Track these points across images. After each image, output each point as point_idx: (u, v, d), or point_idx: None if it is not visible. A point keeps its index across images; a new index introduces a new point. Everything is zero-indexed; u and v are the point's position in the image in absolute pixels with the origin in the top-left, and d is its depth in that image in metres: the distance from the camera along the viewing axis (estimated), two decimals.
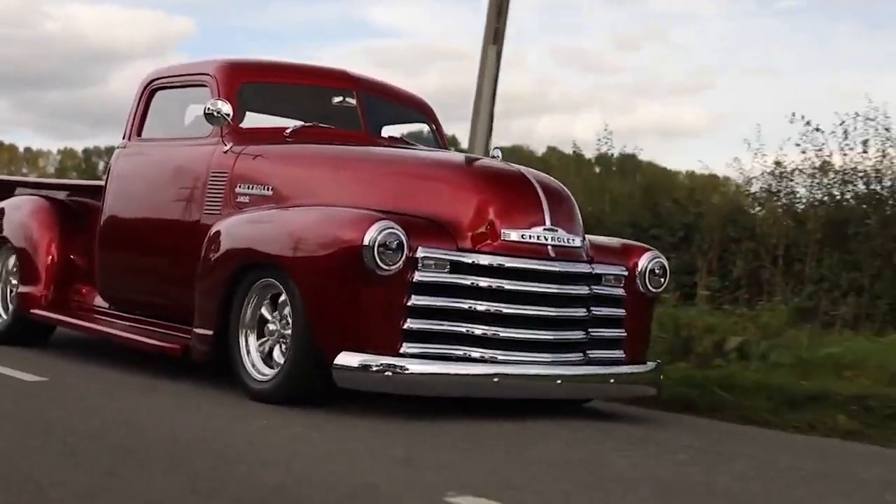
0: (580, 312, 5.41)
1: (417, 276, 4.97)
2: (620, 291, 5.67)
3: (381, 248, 4.85)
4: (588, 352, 5.48)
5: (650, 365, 5.80)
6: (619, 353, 5.65)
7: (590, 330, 5.48)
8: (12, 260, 7.43)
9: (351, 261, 4.88)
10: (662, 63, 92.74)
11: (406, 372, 4.87)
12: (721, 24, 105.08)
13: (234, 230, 5.56)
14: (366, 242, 4.84)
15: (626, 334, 5.67)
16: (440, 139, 7.08)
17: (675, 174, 23.89)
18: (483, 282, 5.07)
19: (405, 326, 4.96)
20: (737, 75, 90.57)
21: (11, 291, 7.40)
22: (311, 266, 5.08)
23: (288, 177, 5.81)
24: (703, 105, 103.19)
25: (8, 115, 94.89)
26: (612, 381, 5.51)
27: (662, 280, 5.85)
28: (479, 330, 5.06)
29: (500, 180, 5.38)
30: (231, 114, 5.88)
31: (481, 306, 5.06)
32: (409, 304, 4.96)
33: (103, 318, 6.77)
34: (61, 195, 7.79)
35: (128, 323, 6.52)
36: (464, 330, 5.04)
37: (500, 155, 7.00)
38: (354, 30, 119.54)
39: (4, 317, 7.44)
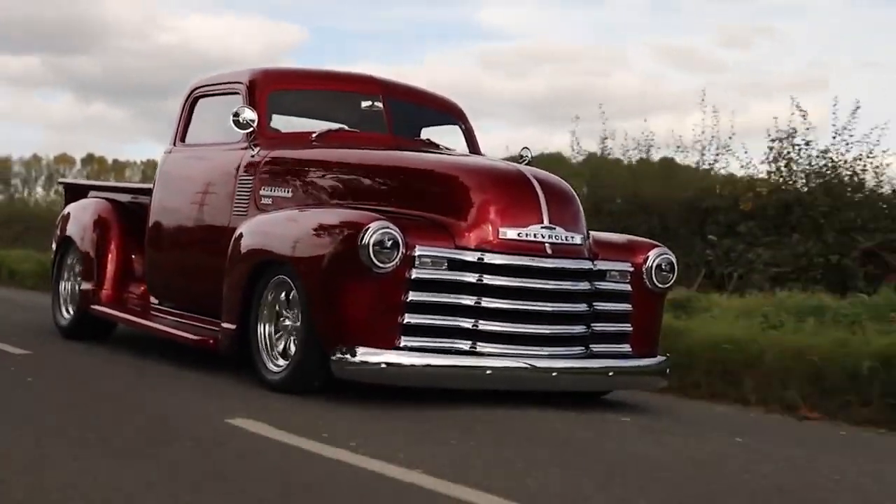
0: (581, 308, 5.59)
1: (415, 274, 5.23)
2: (626, 287, 5.84)
3: (377, 246, 5.12)
4: (591, 346, 5.66)
5: (657, 359, 5.94)
6: (624, 347, 5.82)
7: (592, 324, 5.66)
8: (78, 259, 7.94)
9: (350, 259, 5.17)
10: (773, 60, 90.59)
11: (399, 364, 5.13)
12: (833, 18, 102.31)
13: (253, 230, 5.89)
14: (363, 241, 5.12)
15: (632, 329, 5.83)
16: (471, 140, 7.31)
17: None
18: (479, 278, 5.30)
19: (403, 321, 5.22)
20: (851, 70, 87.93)
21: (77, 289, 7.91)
22: (315, 264, 5.38)
23: (306, 180, 6.13)
24: (817, 102, 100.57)
25: (128, 125, 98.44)
26: (610, 374, 5.67)
27: (670, 276, 5.99)
28: (474, 324, 5.29)
29: (499, 180, 5.59)
30: (256, 120, 6.21)
31: (475, 301, 5.29)
32: (406, 299, 5.22)
33: (152, 313, 7.19)
34: (126, 198, 8.27)
35: (172, 318, 6.93)
36: (460, 324, 5.28)
37: (529, 155, 7.21)
38: (463, 32, 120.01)
39: (70, 313, 7.96)
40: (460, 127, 7.34)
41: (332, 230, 5.37)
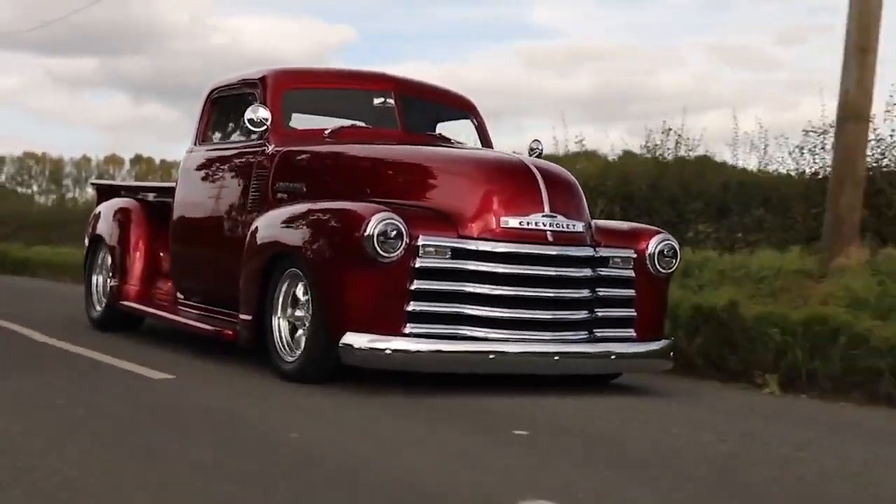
0: (583, 293, 5.75)
1: (419, 263, 5.42)
2: (629, 273, 6.00)
3: (381, 237, 5.32)
4: (595, 330, 5.83)
5: (661, 342, 6.09)
6: (628, 332, 5.97)
7: (596, 310, 5.83)
8: (107, 256, 8.24)
9: (355, 249, 5.37)
10: (826, 56, 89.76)
11: (405, 350, 5.33)
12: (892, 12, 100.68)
13: (267, 224, 6.11)
14: (367, 233, 5.32)
15: (636, 313, 5.99)
16: (483, 134, 7.49)
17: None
18: (481, 266, 5.48)
19: (408, 308, 5.41)
20: None
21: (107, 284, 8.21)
22: (323, 255, 5.59)
23: (318, 175, 6.35)
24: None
25: (180, 126, 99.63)
26: (612, 357, 5.82)
27: (673, 261, 6.14)
28: (477, 311, 5.47)
29: (501, 171, 5.76)
30: (269, 118, 6.44)
31: (479, 289, 5.47)
32: (411, 287, 5.41)
33: (176, 307, 7.45)
34: (153, 197, 8.55)
35: (195, 311, 7.18)
36: (464, 311, 5.46)
37: (540, 147, 7.38)
38: (511, 31, 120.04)
39: (101, 307, 8.28)
40: (472, 121, 7.52)
41: (338, 222, 5.57)
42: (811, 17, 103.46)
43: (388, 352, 5.32)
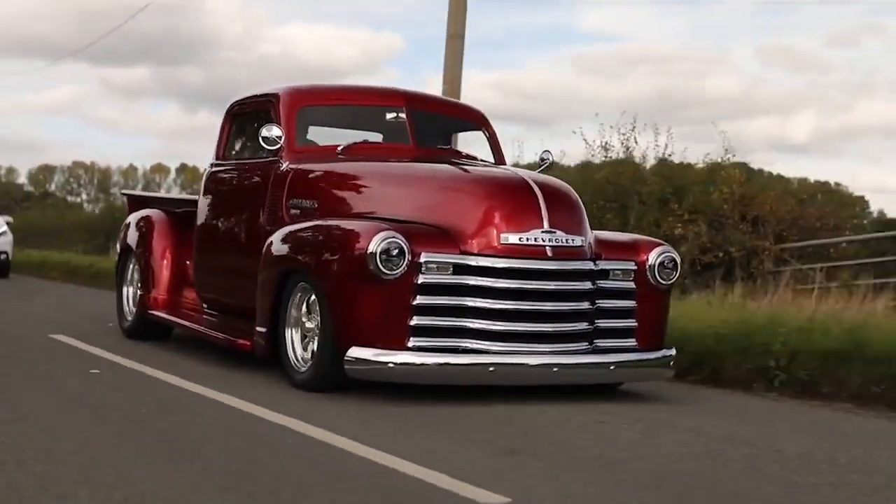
0: (583, 305, 5.94)
1: (421, 279, 5.64)
2: (630, 285, 6.17)
3: (384, 255, 5.54)
4: (596, 341, 6.01)
5: (662, 352, 6.26)
6: (629, 342, 6.15)
7: (597, 321, 6.01)
8: (136, 266, 8.54)
9: (360, 266, 5.59)
10: (881, 58, 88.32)
11: (406, 363, 5.55)
12: None
13: (280, 240, 6.35)
14: (370, 250, 5.54)
15: (636, 324, 6.16)
16: (495, 145, 7.67)
17: None
18: (482, 281, 5.68)
19: (412, 323, 5.63)
20: None
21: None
22: (329, 271, 5.82)
23: (327, 192, 6.59)
24: None
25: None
26: (611, 367, 6.00)
27: (673, 273, 6.30)
28: (479, 324, 5.68)
29: (501, 189, 5.95)
30: (282, 136, 6.68)
31: (481, 303, 5.68)
32: (414, 303, 5.63)
33: (201, 317, 7.72)
34: (181, 209, 8.82)
35: (217, 321, 7.45)
36: (465, 325, 5.67)
37: (550, 158, 7.57)
38: (562, 36, 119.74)
39: (131, 317, 8.58)
40: (484, 133, 7.71)
41: (344, 240, 5.80)
42: (864, 18, 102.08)
43: (391, 365, 5.55)
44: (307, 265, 6.01)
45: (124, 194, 10.72)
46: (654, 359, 6.20)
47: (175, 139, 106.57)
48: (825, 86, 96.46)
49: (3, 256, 19.22)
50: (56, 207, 46.79)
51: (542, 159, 7.58)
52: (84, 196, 73.99)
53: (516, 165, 10.89)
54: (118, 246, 9.15)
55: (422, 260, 5.64)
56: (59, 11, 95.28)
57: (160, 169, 76.45)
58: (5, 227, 19.56)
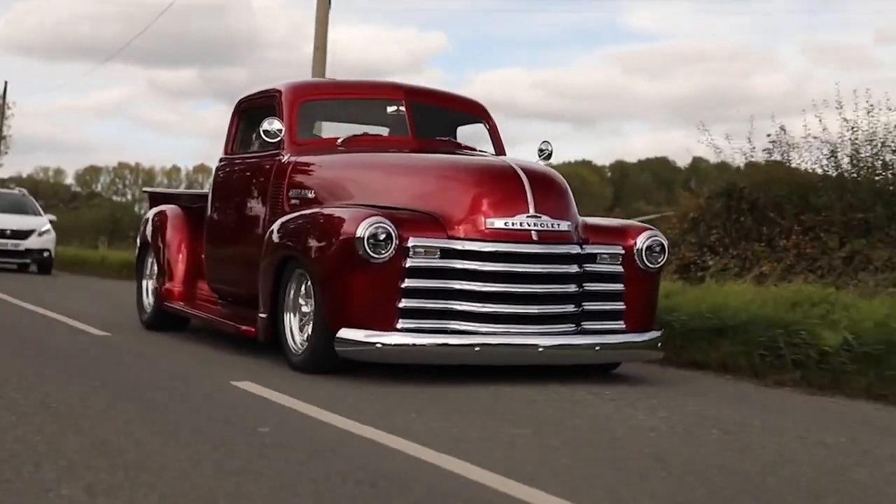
0: (570, 288, 6.10)
1: (409, 262, 5.84)
2: (618, 268, 6.33)
3: (372, 239, 5.75)
4: (583, 323, 6.17)
5: (650, 333, 6.40)
6: (618, 324, 6.30)
7: (584, 304, 6.17)
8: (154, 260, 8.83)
9: (349, 251, 5.81)
10: None
11: (393, 344, 5.75)
12: None
13: (279, 229, 6.58)
14: (358, 235, 5.76)
15: (625, 306, 6.31)
16: (495, 137, 7.86)
17: None
18: (468, 265, 5.87)
19: (400, 305, 5.83)
20: None
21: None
22: (321, 257, 6.05)
23: (326, 182, 6.81)
24: None
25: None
26: (596, 348, 6.15)
27: (661, 257, 6.45)
28: (466, 307, 5.86)
29: (488, 176, 6.14)
30: (283, 130, 6.92)
31: (467, 286, 5.86)
32: (402, 286, 5.83)
33: (211, 306, 7.98)
34: (197, 204, 9.09)
35: (226, 310, 7.71)
36: (452, 307, 5.86)
37: (549, 148, 7.73)
38: (607, 35, 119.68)
39: (150, 309, 8.86)
40: (484, 125, 7.90)
41: (335, 226, 6.02)
42: None
43: (379, 346, 5.75)
44: (301, 251, 6.24)
45: (145, 191, 11.02)
46: (641, 341, 6.34)
47: (220, 139, 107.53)
48: (874, 83, 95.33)
49: (46, 254, 19.83)
50: (100, 207, 47.87)
51: (542, 150, 7.74)
52: (129, 196, 75.14)
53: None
54: (138, 241, 9.45)
55: (409, 244, 5.84)
56: (107, 13, 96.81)
57: (203, 169, 77.26)
58: (48, 226, 20.15)
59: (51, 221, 20.58)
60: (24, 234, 19.59)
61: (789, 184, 12.36)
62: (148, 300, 8.95)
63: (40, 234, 19.77)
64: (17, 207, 20.75)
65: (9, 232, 19.43)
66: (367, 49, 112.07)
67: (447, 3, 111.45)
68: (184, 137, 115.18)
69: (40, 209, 21.60)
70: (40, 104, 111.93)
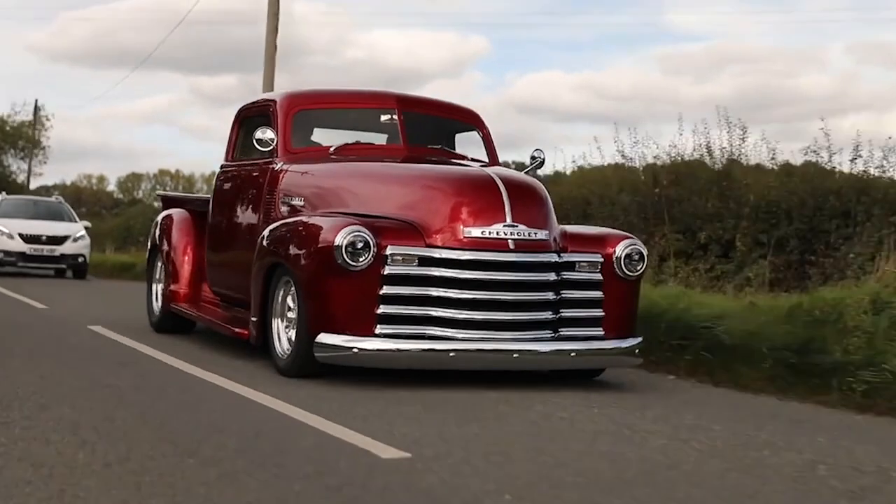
0: (547, 296, 6.24)
1: (387, 270, 6.01)
2: (596, 276, 6.45)
3: (350, 247, 5.93)
4: (561, 330, 6.30)
5: (628, 340, 6.52)
6: (596, 331, 6.43)
7: (561, 311, 6.30)
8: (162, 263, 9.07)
9: (329, 259, 5.99)
10: None
11: (370, 349, 5.92)
12: None
13: (269, 235, 6.77)
14: (336, 243, 5.94)
15: (603, 314, 6.44)
16: (489, 145, 8.00)
17: None
18: (446, 273, 6.03)
19: (378, 311, 6.00)
20: None
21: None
22: (304, 263, 6.23)
23: (314, 190, 7.00)
24: None
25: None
26: (572, 354, 6.28)
27: (640, 265, 6.56)
28: (443, 313, 6.02)
29: (467, 186, 6.29)
30: (275, 139, 7.12)
31: (444, 293, 6.02)
32: (381, 292, 6.00)
33: (213, 309, 8.20)
34: (204, 209, 9.30)
35: (225, 313, 7.92)
36: (429, 313, 6.03)
37: (542, 156, 7.87)
38: (648, 36, 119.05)
39: (158, 311, 9.10)
40: (478, 133, 8.05)
41: (316, 234, 6.20)
42: None
43: (356, 350, 5.93)
44: (286, 258, 6.43)
45: (158, 195, 11.26)
46: (617, 347, 6.46)
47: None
48: None
49: (81, 259, 20.31)
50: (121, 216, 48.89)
51: (534, 157, 7.87)
52: None
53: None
54: (148, 244, 9.69)
55: (388, 252, 6.01)
56: (150, 22, 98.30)
57: None
58: (83, 232, 20.64)
59: (85, 228, 21.07)
60: (59, 240, 20.10)
61: None
62: (157, 303, 9.17)
63: (75, 240, 20.27)
64: (54, 214, 21.39)
65: (45, 238, 19.96)
66: (407, 53, 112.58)
67: (488, 7, 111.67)
68: (224, 143, 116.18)
69: (76, 216, 22.12)
70: (87, 112, 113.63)
